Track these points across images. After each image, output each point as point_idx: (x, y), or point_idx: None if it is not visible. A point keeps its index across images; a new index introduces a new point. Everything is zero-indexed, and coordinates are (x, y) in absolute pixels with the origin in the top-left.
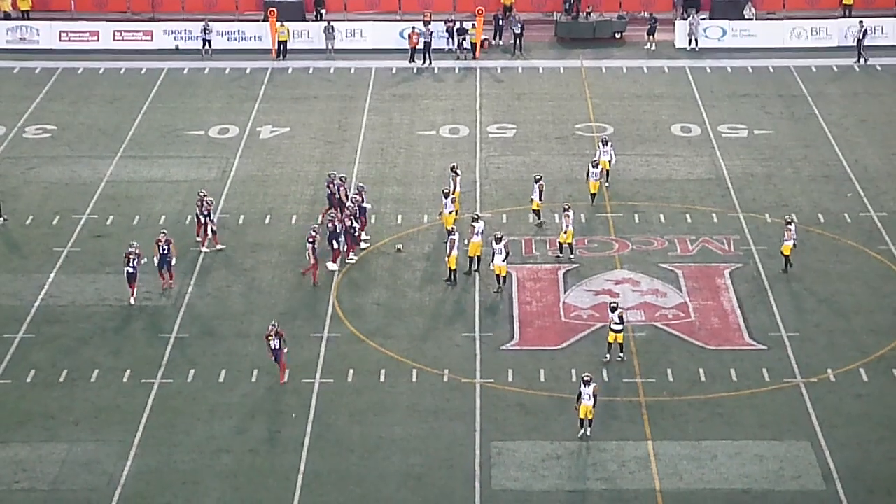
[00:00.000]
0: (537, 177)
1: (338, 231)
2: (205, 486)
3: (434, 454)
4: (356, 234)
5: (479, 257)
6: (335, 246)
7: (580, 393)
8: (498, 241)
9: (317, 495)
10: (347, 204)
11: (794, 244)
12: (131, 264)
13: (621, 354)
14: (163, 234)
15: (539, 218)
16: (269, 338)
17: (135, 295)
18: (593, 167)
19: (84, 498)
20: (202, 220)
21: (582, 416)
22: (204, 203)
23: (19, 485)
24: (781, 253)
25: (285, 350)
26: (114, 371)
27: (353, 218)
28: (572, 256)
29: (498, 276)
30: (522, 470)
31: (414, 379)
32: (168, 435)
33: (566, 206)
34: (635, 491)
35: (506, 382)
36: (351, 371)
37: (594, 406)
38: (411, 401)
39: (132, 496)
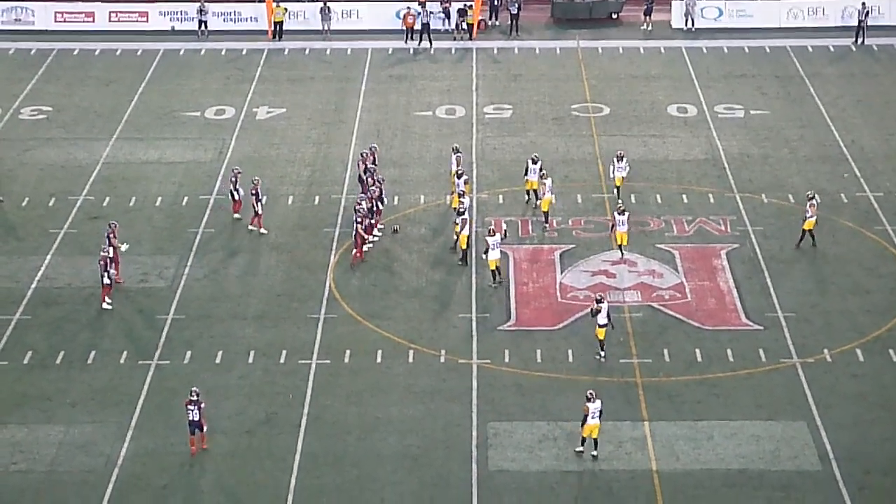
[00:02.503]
0: (535, 157)
1: (368, 211)
2: (201, 468)
3: (431, 435)
4: (374, 219)
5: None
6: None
7: (585, 415)
8: (492, 234)
9: (313, 476)
10: (372, 187)
11: (817, 220)
12: (108, 268)
13: (602, 352)
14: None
15: (533, 197)
16: (188, 406)
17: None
18: (619, 214)
19: (81, 480)
20: (238, 197)
21: (586, 434)
22: (238, 180)
23: (16, 466)
24: (803, 229)
25: (203, 424)
26: (110, 353)
27: (376, 200)
28: (546, 225)
29: (493, 270)
30: (519, 451)
31: (411, 360)
32: (165, 417)
33: (543, 173)
34: (632, 471)
35: (502, 363)
36: (348, 352)
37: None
38: (408, 382)
39: (129, 478)
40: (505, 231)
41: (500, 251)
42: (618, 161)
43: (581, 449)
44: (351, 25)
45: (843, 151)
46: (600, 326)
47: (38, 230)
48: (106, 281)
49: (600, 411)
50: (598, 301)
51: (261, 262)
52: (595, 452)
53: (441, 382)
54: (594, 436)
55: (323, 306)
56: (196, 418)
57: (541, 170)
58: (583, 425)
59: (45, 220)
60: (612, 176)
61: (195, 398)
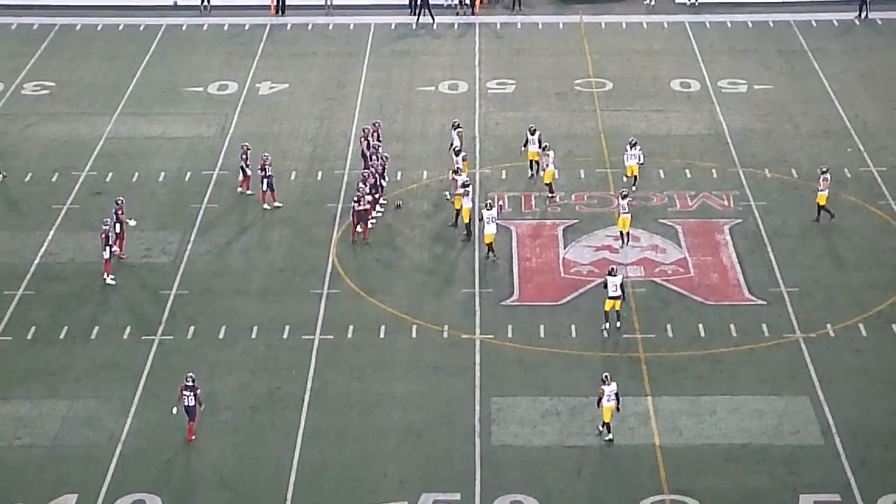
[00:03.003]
0: (532, 128)
1: (371, 187)
2: (205, 443)
3: (434, 410)
4: (378, 195)
5: (460, 210)
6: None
7: (600, 398)
8: (489, 208)
9: (317, 451)
10: (375, 163)
11: (827, 196)
12: (109, 242)
13: (618, 323)
14: (117, 203)
15: (535, 168)
16: (183, 392)
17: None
18: (621, 199)
19: (85, 454)
20: (248, 172)
21: (607, 419)
22: (248, 156)
23: (20, 441)
24: (817, 203)
25: (200, 408)
26: (114, 328)
27: (379, 176)
28: (551, 196)
29: (490, 244)
30: (522, 426)
31: (414, 335)
32: (168, 392)
33: (545, 146)
34: (635, 446)
35: (505, 338)
36: (351, 327)
37: (617, 406)
38: (411, 357)
39: (132, 453)
40: (500, 206)
41: (502, 226)
42: (630, 148)
43: (610, 437)
44: (353, 0)
45: (846, 126)
46: (610, 298)
47: (41, 206)
48: (106, 255)
49: (616, 394)
50: (610, 273)
51: (264, 237)
52: (609, 436)
53: (444, 358)
54: (607, 420)
55: (326, 282)
56: (191, 404)
57: (541, 141)
58: (599, 407)
59: (48, 196)
60: (625, 164)
61: (191, 384)
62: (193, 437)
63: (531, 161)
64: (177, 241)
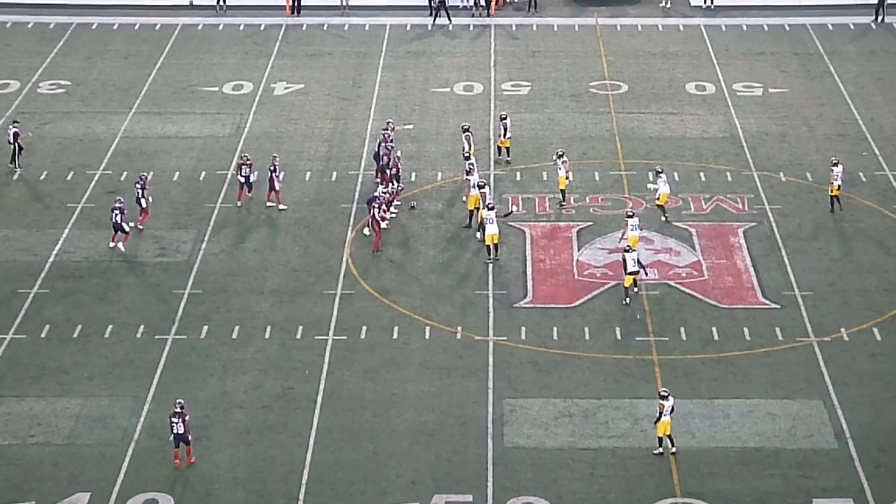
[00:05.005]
0: (503, 115)
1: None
2: (218, 442)
3: (447, 411)
4: (392, 198)
5: (473, 211)
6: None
7: (660, 413)
8: (490, 208)
9: (329, 451)
10: (389, 165)
11: (839, 186)
12: (115, 219)
13: (627, 300)
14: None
15: (506, 155)
16: (172, 419)
17: (117, 242)
18: (628, 218)
19: (98, 452)
20: (242, 182)
21: (661, 433)
22: (241, 170)
23: (34, 439)
24: (829, 194)
25: (189, 437)
26: (127, 327)
27: (393, 178)
28: (563, 203)
29: (489, 246)
30: (535, 427)
31: (427, 336)
32: (181, 391)
33: (560, 153)
34: (647, 449)
35: (519, 340)
36: (364, 328)
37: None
38: (424, 358)
39: (145, 451)
40: (504, 213)
41: (516, 227)
42: (656, 175)
43: (660, 450)
44: (369, 0)
45: (861, 129)
46: (629, 274)
47: (56, 204)
48: (127, 228)
49: (672, 408)
50: (627, 250)
51: (278, 237)
52: (674, 449)
53: (457, 359)
54: (668, 432)
55: (339, 282)
56: (181, 431)
57: (506, 129)
58: (656, 423)
59: (63, 194)
60: (654, 195)
61: (180, 410)
62: (192, 460)
63: (502, 148)
64: (191, 241)
